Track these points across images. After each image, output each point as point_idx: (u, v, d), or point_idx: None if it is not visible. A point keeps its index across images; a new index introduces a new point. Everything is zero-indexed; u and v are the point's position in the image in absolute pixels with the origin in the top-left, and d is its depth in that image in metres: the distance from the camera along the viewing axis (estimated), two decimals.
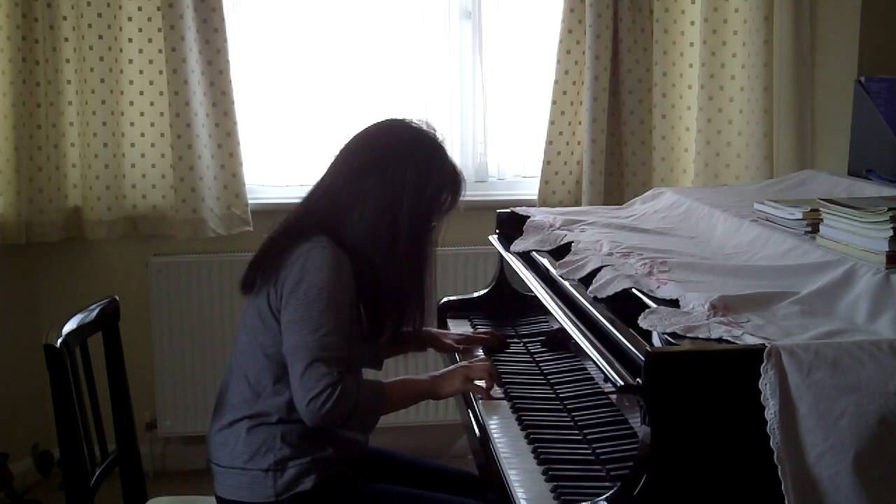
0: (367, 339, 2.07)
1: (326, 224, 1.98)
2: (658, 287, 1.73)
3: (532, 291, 2.16)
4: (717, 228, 2.19)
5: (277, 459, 1.95)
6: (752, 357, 1.39)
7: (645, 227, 2.31)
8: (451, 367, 2.14)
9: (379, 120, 2.11)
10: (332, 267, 1.91)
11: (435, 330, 2.44)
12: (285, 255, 1.94)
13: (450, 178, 2.06)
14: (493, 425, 1.97)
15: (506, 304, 2.63)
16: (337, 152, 2.09)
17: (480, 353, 2.41)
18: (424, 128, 2.07)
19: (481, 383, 2.08)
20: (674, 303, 1.66)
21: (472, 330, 2.57)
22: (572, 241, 2.18)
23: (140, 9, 3.34)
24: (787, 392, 1.37)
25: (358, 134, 2.09)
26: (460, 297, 2.77)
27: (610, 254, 2.01)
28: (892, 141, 2.41)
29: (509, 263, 2.48)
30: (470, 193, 3.61)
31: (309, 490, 1.94)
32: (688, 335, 1.49)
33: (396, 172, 1.99)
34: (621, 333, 1.62)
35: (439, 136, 2.08)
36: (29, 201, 3.32)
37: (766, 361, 1.38)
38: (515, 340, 2.48)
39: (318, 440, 1.97)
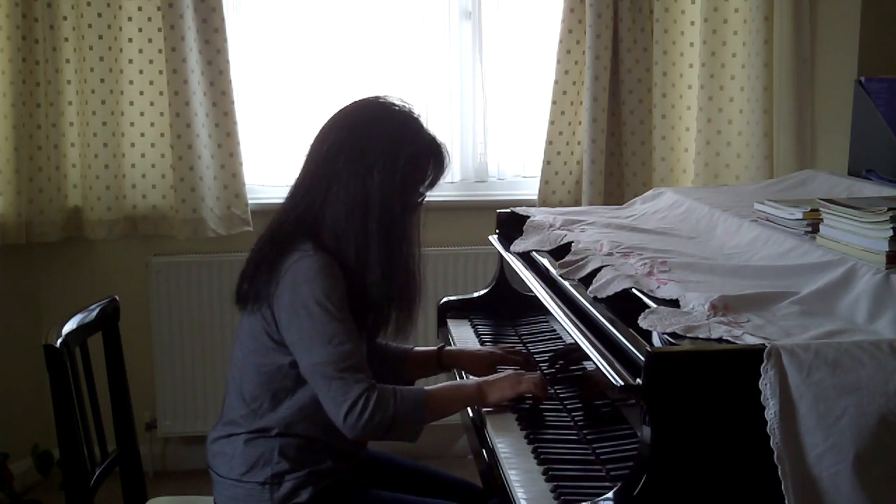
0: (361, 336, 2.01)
1: (307, 222, 1.91)
2: (658, 287, 1.73)
3: (532, 291, 2.16)
4: (717, 228, 2.19)
5: (275, 472, 1.91)
6: (752, 357, 1.39)
7: (645, 227, 2.31)
8: (501, 374, 2.05)
9: (348, 102, 2.02)
10: (321, 274, 1.85)
11: (456, 349, 2.32)
12: (273, 271, 1.88)
13: (426, 147, 1.94)
14: (493, 425, 1.97)
15: (506, 304, 2.63)
16: (309, 144, 2.00)
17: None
18: (395, 101, 1.98)
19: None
20: (674, 303, 1.66)
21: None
22: (572, 241, 2.17)
23: (140, 9, 3.35)
24: (787, 392, 1.37)
25: (328, 119, 2.01)
26: (460, 297, 2.77)
27: (610, 254, 2.01)
28: (892, 141, 2.41)
29: (509, 263, 2.48)
30: (470, 193, 3.67)
31: (305, 502, 1.91)
32: (688, 335, 1.49)
33: (366, 146, 1.90)
34: (621, 333, 1.62)
35: (413, 108, 1.98)
36: (29, 201, 3.32)
37: (766, 361, 1.38)
38: (515, 340, 2.48)
39: (317, 453, 1.93)
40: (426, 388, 1.93)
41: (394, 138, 1.92)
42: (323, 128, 2.00)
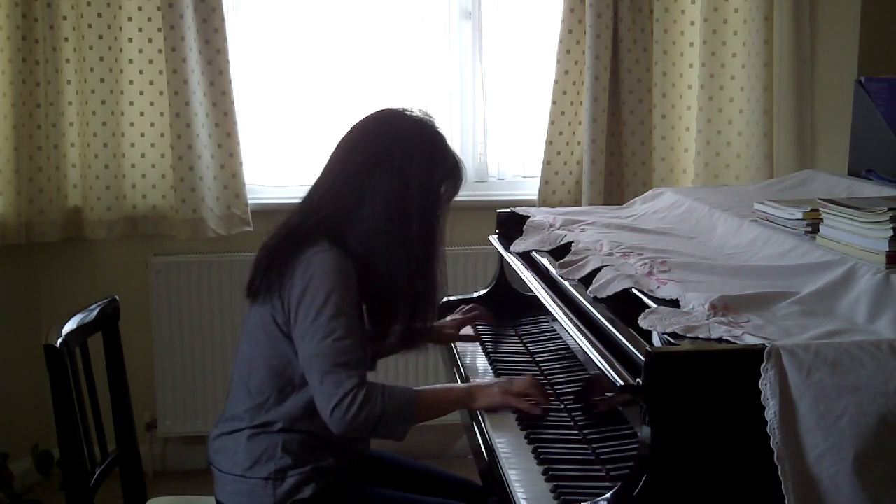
0: (374, 339, 2.05)
1: (329, 225, 1.94)
2: (658, 287, 1.73)
3: (532, 291, 2.16)
4: (717, 228, 2.19)
5: (278, 468, 1.92)
6: (752, 357, 1.39)
7: (645, 227, 2.31)
8: (493, 380, 2.08)
9: (374, 111, 2.06)
10: (336, 270, 1.88)
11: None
12: (288, 264, 1.91)
13: (452, 165, 2.02)
14: (493, 425, 1.97)
15: (506, 304, 2.63)
16: (334, 148, 2.03)
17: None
18: (424, 117, 2.03)
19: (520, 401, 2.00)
20: (674, 303, 1.66)
21: (470, 329, 2.53)
22: (572, 241, 2.18)
23: (140, 9, 3.35)
24: (787, 392, 1.37)
25: (355, 127, 2.04)
26: (460, 297, 2.77)
27: (610, 254, 2.01)
28: (892, 141, 2.41)
29: (509, 263, 2.48)
30: (470, 193, 3.68)
31: (308, 498, 1.92)
32: (688, 335, 1.49)
33: (403, 164, 1.94)
34: (621, 333, 1.62)
35: (438, 124, 2.03)
36: (29, 201, 3.32)
37: (766, 361, 1.38)
38: (515, 340, 2.48)
39: (320, 449, 1.95)
40: (416, 388, 1.95)
41: (430, 156, 1.97)
42: (351, 135, 2.03)
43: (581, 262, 2.02)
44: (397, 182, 1.94)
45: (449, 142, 2.04)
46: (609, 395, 1.74)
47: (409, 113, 2.02)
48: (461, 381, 2.27)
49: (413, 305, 2.00)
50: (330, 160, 2.03)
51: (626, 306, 1.71)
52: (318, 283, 1.86)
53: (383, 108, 2.07)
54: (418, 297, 2.00)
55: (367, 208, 1.94)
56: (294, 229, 1.97)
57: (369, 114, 2.06)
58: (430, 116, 2.04)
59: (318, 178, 2.03)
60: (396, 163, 1.94)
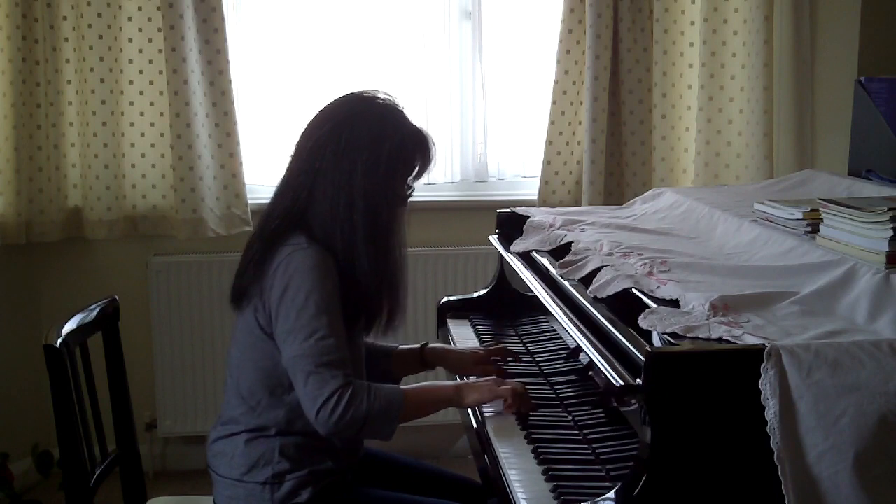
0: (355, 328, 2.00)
1: (294, 217, 1.91)
2: (658, 287, 1.73)
3: (532, 291, 2.16)
4: (717, 228, 2.19)
5: (275, 473, 1.91)
6: (752, 357, 1.39)
7: (645, 227, 2.31)
8: (481, 378, 2.04)
9: (332, 99, 2.02)
10: (315, 267, 1.85)
11: (440, 346, 2.32)
12: (264, 265, 1.88)
13: (409, 138, 1.94)
14: (493, 425, 1.97)
15: (506, 304, 2.63)
16: (294, 141, 2.01)
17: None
18: (378, 94, 1.98)
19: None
20: (674, 303, 1.66)
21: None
22: (572, 241, 2.17)
23: (140, 9, 3.35)
24: (787, 392, 1.37)
25: (312, 117, 2.00)
26: (460, 297, 2.77)
27: (610, 254, 2.01)
28: (892, 141, 2.42)
29: (509, 263, 2.48)
30: (470, 193, 3.68)
31: (305, 502, 1.91)
32: (688, 335, 1.49)
33: (349, 141, 1.90)
34: (621, 333, 1.62)
35: (396, 101, 1.99)
36: (29, 201, 3.33)
37: (766, 361, 1.38)
38: (515, 340, 2.48)
39: (317, 452, 1.93)
40: (403, 387, 1.93)
41: (376, 131, 1.92)
42: (307, 125, 2.00)
43: (581, 262, 2.01)
44: (343, 162, 1.90)
45: (409, 116, 1.97)
46: (609, 395, 1.74)
47: (363, 94, 1.98)
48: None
49: (378, 288, 1.94)
50: (292, 152, 2.01)
51: (626, 306, 1.71)
52: (298, 281, 1.84)
53: (340, 94, 2.02)
54: (382, 279, 1.94)
55: (318, 192, 1.91)
56: (264, 228, 1.96)
57: (327, 102, 2.01)
58: (388, 95, 1.99)
59: (284, 172, 2.01)
60: (342, 142, 1.90)
